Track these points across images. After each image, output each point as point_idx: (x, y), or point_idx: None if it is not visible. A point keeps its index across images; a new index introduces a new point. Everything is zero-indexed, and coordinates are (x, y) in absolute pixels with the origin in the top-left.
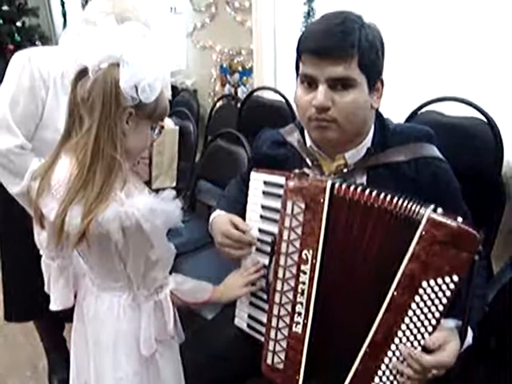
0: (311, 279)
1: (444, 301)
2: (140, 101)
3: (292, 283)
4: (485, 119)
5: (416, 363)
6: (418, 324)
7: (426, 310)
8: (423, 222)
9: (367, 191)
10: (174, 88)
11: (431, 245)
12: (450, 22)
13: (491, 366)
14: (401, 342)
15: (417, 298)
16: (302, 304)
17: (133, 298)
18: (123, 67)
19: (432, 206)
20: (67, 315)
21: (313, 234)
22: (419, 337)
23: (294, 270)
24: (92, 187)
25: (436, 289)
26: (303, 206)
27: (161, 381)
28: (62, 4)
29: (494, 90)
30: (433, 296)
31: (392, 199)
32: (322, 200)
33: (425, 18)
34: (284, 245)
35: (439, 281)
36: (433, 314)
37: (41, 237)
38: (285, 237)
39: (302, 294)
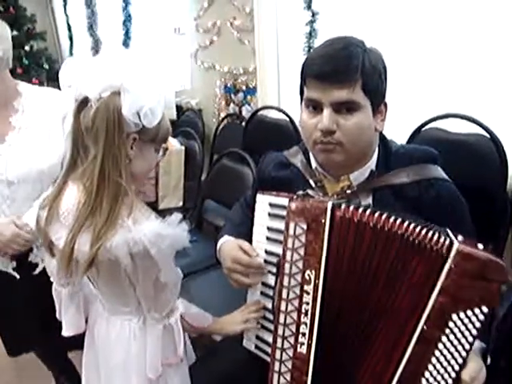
0: (314, 299)
1: (474, 332)
2: (143, 126)
3: (296, 303)
4: (488, 135)
5: None
6: (449, 357)
7: (456, 342)
8: (452, 254)
9: (362, 210)
10: (178, 108)
11: (460, 278)
12: (451, 40)
13: None
14: (431, 375)
15: (447, 331)
16: (306, 324)
17: (143, 322)
18: (124, 95)
19: (460, 238)
20: (66, 344)
21: (315, 254)
22: (450, 369)
23: (298, 291)
24: (99, 214)
25: (466, 321)
26: (305, 226)
27: None
28: (69, 28)
29: (497, 106)
30: (463, 328)
31: (403, 223)
32: (323, 221)
33: (426, 37)
34: (287, 265)
35: (469, 313)
36: (463, 346)
37: (51, 264)
38: (288, 258)
39: (306, 314)
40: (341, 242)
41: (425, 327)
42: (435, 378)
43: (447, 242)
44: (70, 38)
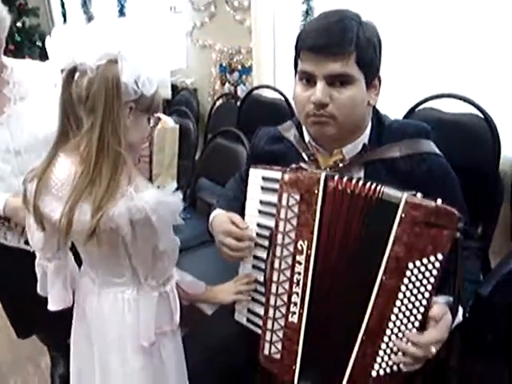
0: (306, 269)
1: (432, 280)
2: (140, 95)
3: (288, 274)
4: (482, 115)
5: (415, 346)
6: (410, 306)
7: (415, 291)
8: (401, 204)
9: (354, 181)
10: (174, 87)
11: (412, 226)
12: (447, 18)
13: (489, 361)
14: (395, 325)
15: (405, 280)
16: (297, 294)
17: (137, 292)
18: (122, 63)
19: (411, 192)
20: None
21: (307, 224)
22: (412, 318)
23: (290, 261)
24: (100, 183)
25: (422, 269)
26: (298, 197)
27: (165, 373)
28: (62, 4)
29: (491, 86)
30: (420, 276)
31: (376, 187)
32: (316, 191)
33: (422, 15)
34: (280, 236)
35: (424, 261)
36: (422, 294)
37: (35, 238)
38: (280, 228)
39: (298, 284)
40: (334, 213)
41: (383, 278)
42: (399, 328)
43: (399, 194)
44: (64, 15)
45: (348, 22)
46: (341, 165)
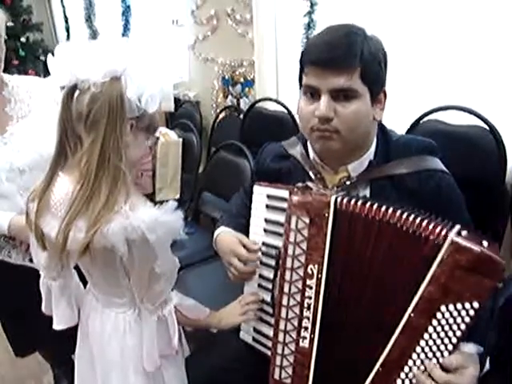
0: (317, 294)
1: (462, 327)
2: (142, 112)
3: (298, 298)
4: (487, 127)
5: (428, 377)
6: (434, 348)
7: (442, 334)
8: (445, 245)
9: (368, 204)
10: (176, 100)
11: (453, 270)
12: (451, 30)
13: (506, 376)
14: (415, 364)
15: (434, 322)
16: (308, 319)
17: (138, 314)
18: (127, 80)
19: (457, 227)
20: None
21: (318, 248)
22: (434, 361)
23: (300, 285)
24: (98, 198)
25: (455, 314)
26: (308, 220)
27: None
28: (66, 19)
29: (497, 98)
30: (451, 321)
31: (402, 214)
32: (326, 215)
33: (426, 28)
34: (289, 260)
35: (459, 306)
36: (450, 339)
37: (39, 257)
38: (290, 252)
39: (309, 308)
40: (344, 237)
41: (412, 315)
42: (418, 368)
43: (443, 232)
44: (67, 30)
45: (353, 36)
46: (348, 183)
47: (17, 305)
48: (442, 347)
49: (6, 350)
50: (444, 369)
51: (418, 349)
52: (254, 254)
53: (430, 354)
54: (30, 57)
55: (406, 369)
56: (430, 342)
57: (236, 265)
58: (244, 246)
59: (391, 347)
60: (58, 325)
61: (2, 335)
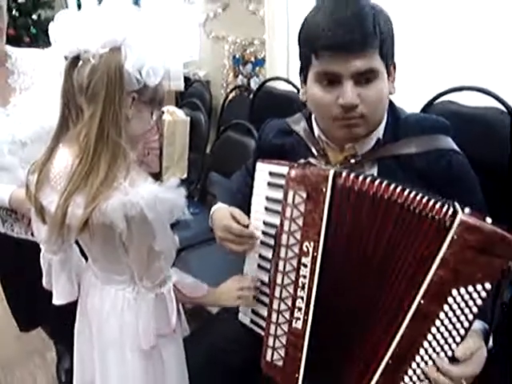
0: (312, 273)
1: (474, 309)
2: (143, 85)
3: (292, 276)
4: (504, 109)
5: (445, 376)
6: (446, 334)
7: (454, 319)
8: (455, 224)
9: (368, 180)
10: (186, 79)
11: (463, 251)
12: (466, 11)
13: (507, 366)
14: (427, 352)
15: (445, 307)
16: (302, 299)
17: (137, 292)
18: (126, 51)
19: (467, 210)
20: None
21: (314, 225)
22: (446, 347)
23: (295, 263)
24: (97, 174)
25: (466, 297)
26: (304, 195)
27: (164, 375)
28: None
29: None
30: (463, 305)
31: (410, 193)
32: (323, 189)
33: (441, 6)
34: (285, 236)
35: (470, 288)
36: (462, 323)
37: (40, 231)
38: (285, 228)
39: (303, 288)
40: (342, 213)
41: (422, 301)
42: (430, 356)
43: (450, 211)
44: (79, 6)
45: (364, 13)
46: (352, 161)
47: (20, 279)
48: (454, 332)
49: (10, 325)
50: (454, 358)
51: (430, 336)
52: (245, 229)
53: (442, 341)
54: (41, 34)
55: (418, 358)
56: (442, 329)
57: (228, 239)
58: (235, 219)
59: (400, 337)
60: (57, 300)
61: (7, 312)
